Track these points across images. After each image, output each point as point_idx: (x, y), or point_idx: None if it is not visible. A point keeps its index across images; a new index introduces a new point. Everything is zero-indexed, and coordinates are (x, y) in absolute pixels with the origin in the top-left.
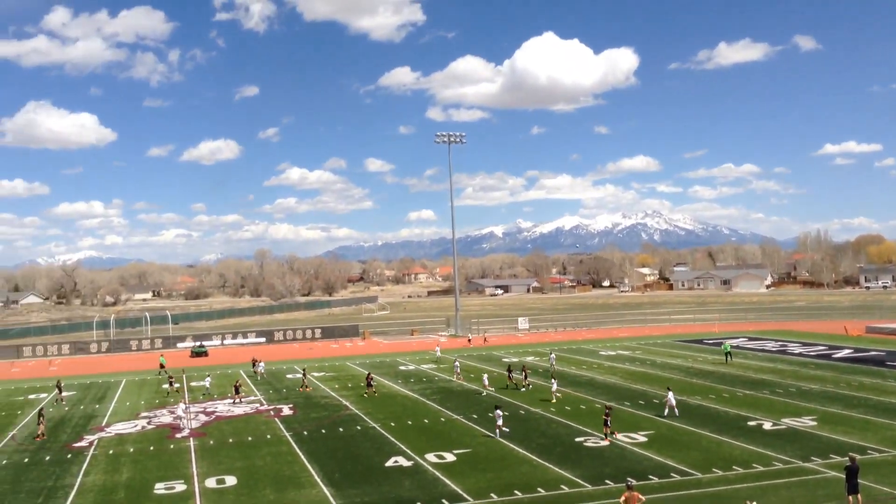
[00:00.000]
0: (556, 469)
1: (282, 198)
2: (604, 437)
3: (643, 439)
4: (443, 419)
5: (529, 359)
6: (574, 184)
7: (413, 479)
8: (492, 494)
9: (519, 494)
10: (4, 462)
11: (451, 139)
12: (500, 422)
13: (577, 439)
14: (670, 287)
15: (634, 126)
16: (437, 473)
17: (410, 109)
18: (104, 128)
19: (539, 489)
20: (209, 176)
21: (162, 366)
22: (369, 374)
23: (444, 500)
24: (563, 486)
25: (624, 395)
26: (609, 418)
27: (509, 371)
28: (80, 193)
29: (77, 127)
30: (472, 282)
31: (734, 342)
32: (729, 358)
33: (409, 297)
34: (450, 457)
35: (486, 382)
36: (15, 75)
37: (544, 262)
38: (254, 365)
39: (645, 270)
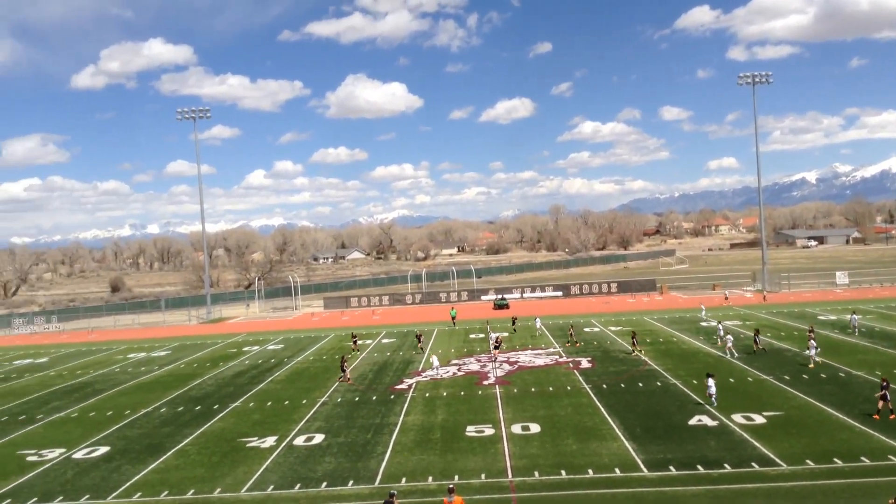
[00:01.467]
0: (882, 437)
1: (575, 152)
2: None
3: None
4: (750, 379)
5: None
6: None
7: (719, 440)
8: (807, 461)
9: (839, 463)
10: (339, 400)
11: (756, 80)
12: (712, 390)
13: None
14: None
15: None
16: (745, 435)
17: (709, 51)
18: (412, 95)
19: (863, 458)
20: (505, 134)
21: (453, 317)
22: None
23: (753, 464)
24: (890, 457)
25: None
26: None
27: (756, 335)
28: (393, 157)
29: (389, 96)
30: (781, 233)
31: None
32: None
33: (710, 250)
34: (759, 419)
35: (730, 344)
36: (335, 52)
37: (867, 209)
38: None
39: None
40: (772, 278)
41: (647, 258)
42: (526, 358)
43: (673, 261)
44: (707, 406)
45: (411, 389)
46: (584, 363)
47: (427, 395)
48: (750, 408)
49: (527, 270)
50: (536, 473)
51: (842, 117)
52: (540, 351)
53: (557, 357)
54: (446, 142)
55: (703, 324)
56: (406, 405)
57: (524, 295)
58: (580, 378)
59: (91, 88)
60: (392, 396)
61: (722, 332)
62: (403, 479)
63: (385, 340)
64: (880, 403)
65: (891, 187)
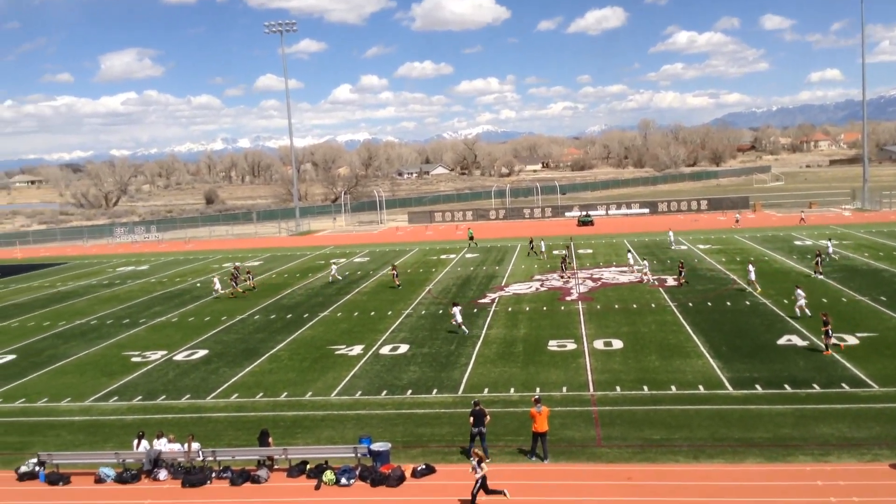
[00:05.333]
0: None
1: (668, 64)
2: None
3: None
4: (844, 299)
5: None
6: None
7: (808, 360)
8: None
9: None
10: (423, 312)
11: None
12: (801, 302)
13: None
14: None
15: None
16: (836, 356)
17: None
18: (499, 6)
19: None
20: (595, 46)
21: (471, 237)
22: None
23: (843, 385)
24: None
25: None
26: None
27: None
28: (478, 71)
29: (475, 7)
30: (885, 149)
31: None
32: None
33: (808, 166)
34: (851, 339)
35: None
36: None
37: None
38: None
39: None
40: (872, 196)
41: (741, 175)
42: (609, 275)
43: (768, 177)
44: (797, 325)
45: (494, 303)
46: (670, 281)
47: (510, 309)
48: (842, 328)
49: (613, 187)
50: (618, 388)
51: None
52: (624, 268)
53: (642, 275)
54: (533, 55)
55: (797, 243)
56: (489, 319)
57: (609, 212)
58: (665, 296)
59: (183, 3)
60: (475, 310)
61: (831, 250)
62: (486, 390)
63: (468, 255)
64: None
65: None
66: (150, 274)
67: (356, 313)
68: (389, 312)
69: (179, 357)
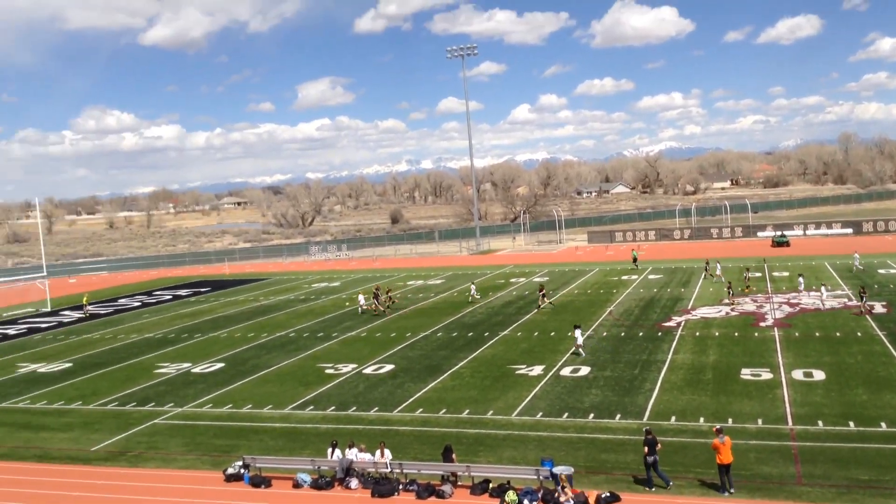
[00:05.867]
0: None
1: (869, 73)
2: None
3: None
4: None
5: None
6: None
7: None
8: None
9: None
10: (605, 334)
11: None
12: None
13: None
14: None
15: None
16: None
17: None
18: (683, 19)
19: None
20: (788, 56)
21: (635, 259)
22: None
23: None
24: None
25: None
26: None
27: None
28: (660, 86)
29: (658, 21)
30: None
31: None
32: None
33: None
34: None
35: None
36: None
37: None
38: None
39: None
40: None
41: None
42: (808, 300)
43: None
44: None
45: (680, 327)
46: (878, 307)
47: (697, 334)
48: None
49: (810, 205)
50: (820, 423)
51: None
52: (826, 293)
53: (846, 300)
54: (720, 67)
55: None
56: (675, 343)
57: (807, 231)
58: (873, 324)
59: (372, 32)
60: (659, 333)
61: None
62: (673, 418)
63: (651, 276)
64: None
65: None
66: (342, 290)
67: (536, 333)
68: (570, 333)
69: (368, 370)
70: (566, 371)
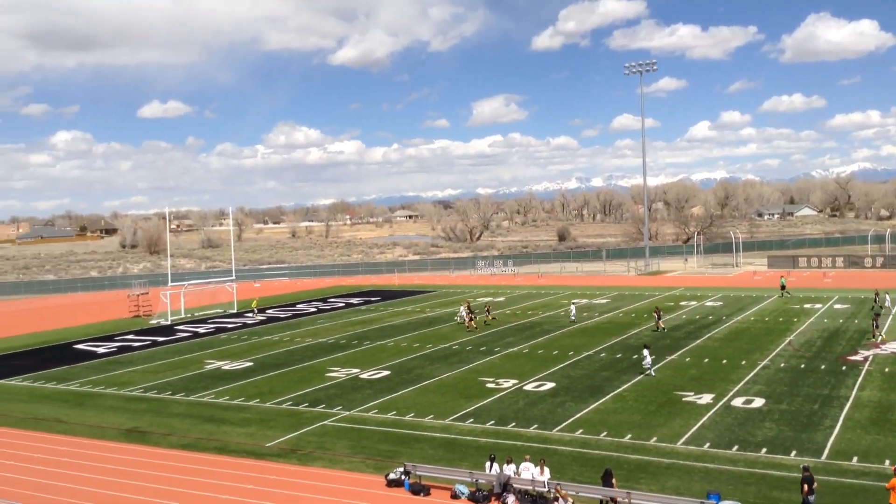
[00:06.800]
0: None
1: None
2: None
3: None
4: None
5: None
6: None
7: None
8: None
9: None
10: (782, 365)
11: None
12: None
13: None
14: None
15: None
16: None
17: None
18: (884, 32)
19: None
20: None
21: (783, 287)
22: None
23: None
24: None
25: None
26: None
27: None
28: (856, 103)
29: (855, 35)
30: None
31: None
32: None
33: None
34: None
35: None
36: None
37: None
38: None
39: None
40: None
41: None
42: None
43: None
44: None
45: (867, 362)
46: None
47: (887, 370)
48: None
49: None
50: None
51: None
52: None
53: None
54: None
55: None
56: (860, 378)
57: None
58: None
59: (549, 49)
60: (844, 367)
61: None
62: (854, 458)
63: (837, 306)
64: None
65: None
66: (506, 305)
67: (706, 360)
68: (743, 362)
69: (529, 387)
70: (738, 401)
